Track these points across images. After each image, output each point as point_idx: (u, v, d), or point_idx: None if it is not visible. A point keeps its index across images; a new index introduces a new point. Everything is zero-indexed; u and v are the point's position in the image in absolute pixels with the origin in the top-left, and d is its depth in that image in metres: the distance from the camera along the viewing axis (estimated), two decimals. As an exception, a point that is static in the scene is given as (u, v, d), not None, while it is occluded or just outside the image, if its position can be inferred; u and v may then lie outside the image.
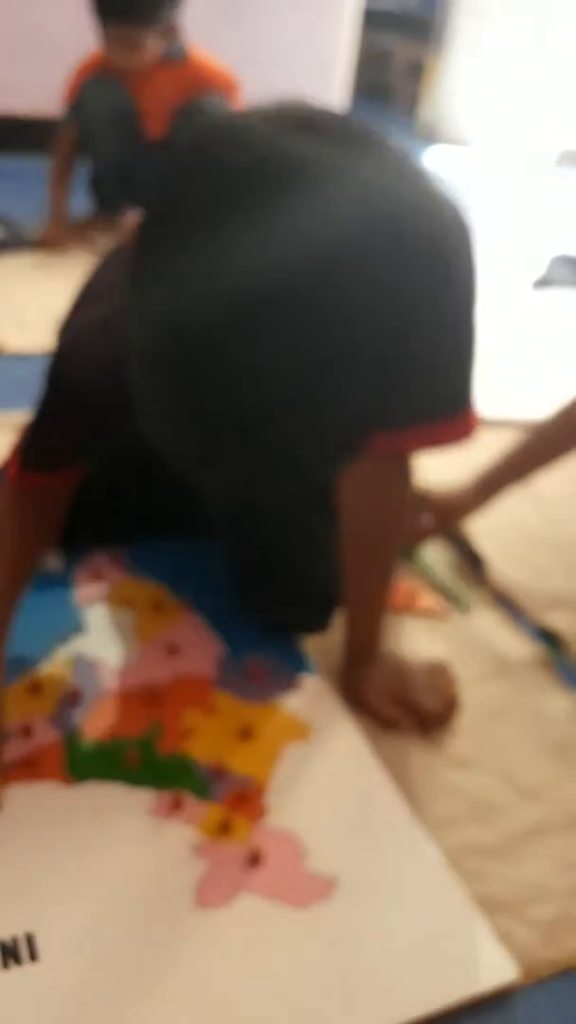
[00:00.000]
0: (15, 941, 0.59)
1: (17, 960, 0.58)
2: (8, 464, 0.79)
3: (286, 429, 0.46)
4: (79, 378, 0.73)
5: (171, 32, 1.90)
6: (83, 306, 0.80)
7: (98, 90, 1.99)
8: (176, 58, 1.94)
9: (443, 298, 0.49)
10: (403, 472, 0.78)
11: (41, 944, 0.59)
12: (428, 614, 0.98)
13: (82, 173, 2.13)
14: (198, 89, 1.94)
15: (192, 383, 0.45)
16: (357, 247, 0.44)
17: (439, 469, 1.05)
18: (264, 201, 0.44)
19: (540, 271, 2.37)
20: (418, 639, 0.94)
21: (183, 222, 0.45)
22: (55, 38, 2.44)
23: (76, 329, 0.78)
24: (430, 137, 4.13)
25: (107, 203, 2.13)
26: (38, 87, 2.38)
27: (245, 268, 0.43)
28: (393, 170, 0.47)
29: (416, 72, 4.47)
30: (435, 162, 3.70)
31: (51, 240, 2.01)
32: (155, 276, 0.46)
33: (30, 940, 0.59)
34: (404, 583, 0.99)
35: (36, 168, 2.18)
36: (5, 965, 0.58)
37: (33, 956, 0.58)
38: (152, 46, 1.88)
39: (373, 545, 0.84)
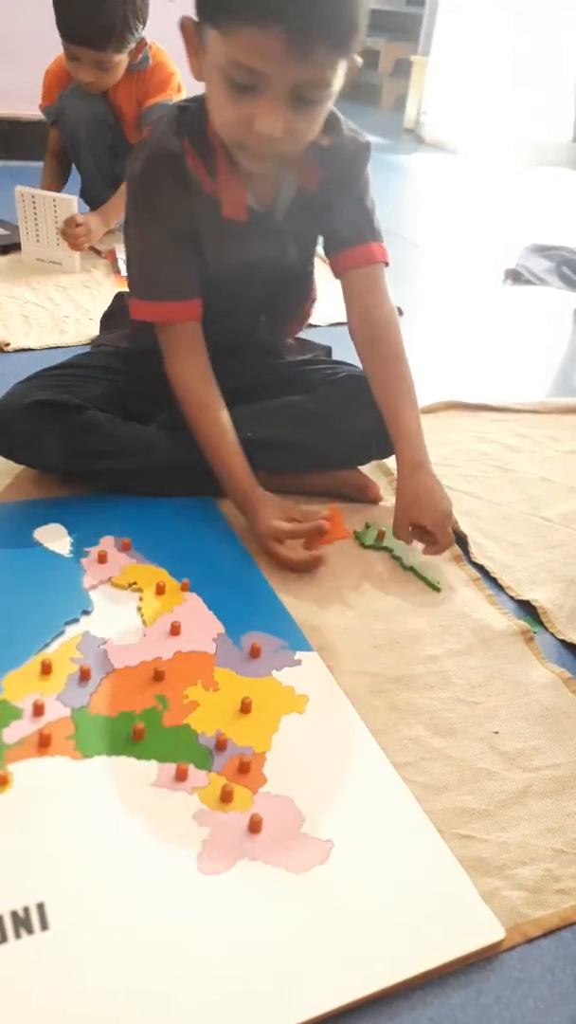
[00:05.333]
0: (26, 911, 0.57)
1: (29, 929, 0.56)
2: None
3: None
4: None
5: (141, 47, 1.86)
6: None
7: (78, 102, 1.93)
8: (144, 67, 1.90)
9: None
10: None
11: (51, 913, 0.58)
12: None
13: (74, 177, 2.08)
14: (162, 93, 1.91)
15: None
16: None
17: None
18: None
19: (512, 259, 2.35)
20: (406, 615, 0.92)
21: None
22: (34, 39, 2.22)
23: None
24: (416, 138, 4.06)
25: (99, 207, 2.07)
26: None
27: None
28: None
29: (402, 72, 4.39)
30: (420, 166, 3.63)
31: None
32: None
33: (41, 909, 0.58)
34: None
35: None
36: (17, 934, 0.56)
37: (44, 925, 0.57)
38: (124, 64, 1.85)
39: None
